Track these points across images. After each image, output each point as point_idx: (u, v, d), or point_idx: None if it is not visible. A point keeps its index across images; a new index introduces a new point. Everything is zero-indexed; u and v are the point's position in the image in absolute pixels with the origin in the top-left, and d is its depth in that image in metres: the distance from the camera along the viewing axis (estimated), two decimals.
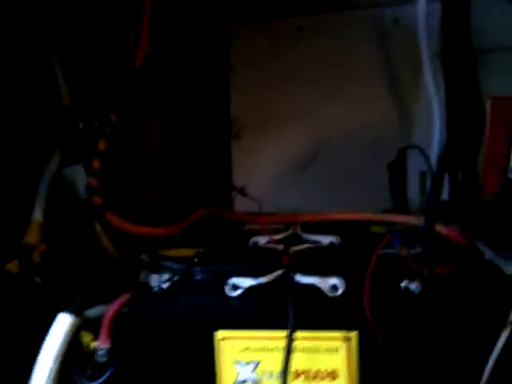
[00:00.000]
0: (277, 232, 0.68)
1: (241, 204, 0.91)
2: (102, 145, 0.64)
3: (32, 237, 0.65)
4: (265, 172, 0.98)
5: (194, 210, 0.75)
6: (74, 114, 0.71)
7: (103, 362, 0.55)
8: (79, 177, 0.70)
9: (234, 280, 0.55)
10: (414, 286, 0.53)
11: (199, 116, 0.95)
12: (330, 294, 0.54)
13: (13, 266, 0.62)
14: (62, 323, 0.50)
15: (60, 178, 0.70)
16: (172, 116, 0.92)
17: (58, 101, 0.71)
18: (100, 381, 0.56)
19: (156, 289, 0.56)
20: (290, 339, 0.50)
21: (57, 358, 0.49)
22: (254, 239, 0.66)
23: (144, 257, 0.57)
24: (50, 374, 0.49)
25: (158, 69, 0.88)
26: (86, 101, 0.71)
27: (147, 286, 0.57)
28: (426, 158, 0.65)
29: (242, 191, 0.75)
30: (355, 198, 0.89)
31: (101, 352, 0.55)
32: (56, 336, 0.49)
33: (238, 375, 0.55)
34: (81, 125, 0.70)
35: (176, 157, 0.93)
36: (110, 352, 0.55)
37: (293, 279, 0.54)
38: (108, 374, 0.55)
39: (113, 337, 0.55)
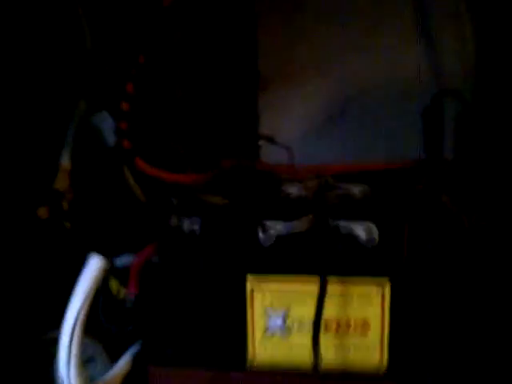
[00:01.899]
0: (307, 182, 0.66)
1: (266, 156, 0.89)
2: (130, 87, 0.62)
3: (61, 183, 0.65)
4: (291, 125, 0.95)
5: (220, 161, 0.73)
6: (100, 58, 0.70)
7: (131, 309, 0.55)
8: (106, 124, 0.69)
9: (267, 224, 0.54)
10: (450, 234, 0.51)
11: (225, 66, 0.93)
12: (365, 241, 0.52)
13: (43, 212, 0.62)
14: (94, 265, 0.50)
15: (87, 125, 0.69)
16: (197, 67, 0.90)
17: (83, 44, 0.70)
18: (128, 328, 0.56)
19: (187, 233, 0.55)
20: (324, 285, 0.50)
21: (87, 298, 0.49)
22: (284, 188, 0.65)
23: (174, 201, 0.56)
24: (79, 314, 0.49)
25: (182, 17, 0.85)
26: (113, 43, 0.69)
27: (178, 230, 0.56)
28: (464, 103, 0.63)
29: (272, 140, 0.73)
30: (384, 152, 0.87)
31: (129, 299, 0.55)
32: (87, 277, 0.49)
33: (268, 322, 0.55)
34: (107, 68, 0.69)
35: (201, 109, 0.91)
36: (138, 299, 0.55)
37: (327, 225, 0.53)
38: (136, 321, 0.56)
39: (142, 283, 0.55)
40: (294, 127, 0.95)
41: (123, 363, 0.56)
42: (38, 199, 0.63)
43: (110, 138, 0.68)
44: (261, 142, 0.75)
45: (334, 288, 0.52)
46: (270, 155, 0.82)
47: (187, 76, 0.88)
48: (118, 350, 0.58)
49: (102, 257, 0.50)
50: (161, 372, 0.57)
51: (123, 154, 0.62)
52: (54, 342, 0.55)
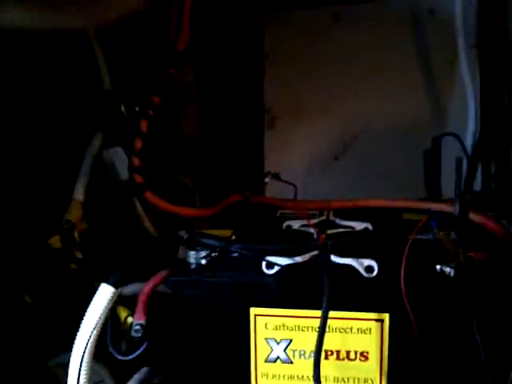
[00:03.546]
0: (310, 217, 0.69)
1: (271, 192, 0.92)
2: (144, 126, 0.66)
3: (73, 214, 0.68)
4: (296, 161, 0.99)
5: (227, 196, 0.76)
6: (116, 98, 0.73)
7: (138, 338, 0.57)
8: (119, 159, 0.72)
9: (271, 258, 0.56)
10: (448, 270, 0.53)
11: (233, 105, 0.97)
12: (365, 275, 0.54)
13: (55, 242, 0.65)
14: (104, 293, 0.51)
15: (100, 160, 0.72)
16: (207, 105, 0.94)
17: (100, 85, 0.73)
18: (134, 355, 0.57)
19: (194, 265, 0.57)
20: (325, 318, 0.51)
21: (97, 325, 0.51)
22: (287, 223, 0.67)
23: (182, 233, 0.59)
24: (90, 340, 0.50)
25: (194, 58, 0.89)
26: (129, 84, 0.73)
27: (185, 262, 0.58)
28: (462, 145, 0.66)
29: (277, 176, 0.76)
30: (386, 189, 0.90)
31: (136, 327, 0.57)
32: (97, 305, 0.51)
33: (270, 352, 0.56)
34: (123, 108, 0.72)
35: (210, 145, 0.94)
36: (144, 328, 0.56)
37: (329, 259, 0.55)
38: (142, 349, 0.57)
39: (149, 313, 0.57)
40: (299, 164, 0.98)
41: None
42: (51, 229, 0.66)
43: (123, 172, 0.71)
44: (267, 179, 0.77)
45: (334, 321, 0.54)
46: (275, 191, 0.85)
47: (197, 116, 0.91)
48: (125, 375, 0.59)
49: (111, 285, 0.52)
50: None
51: (135, 189, 0.65)
52: (61, 366, 0.57)
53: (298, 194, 0.76)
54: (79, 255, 0.65)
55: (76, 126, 0.73)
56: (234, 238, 0.59)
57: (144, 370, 0.61)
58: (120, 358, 0.57)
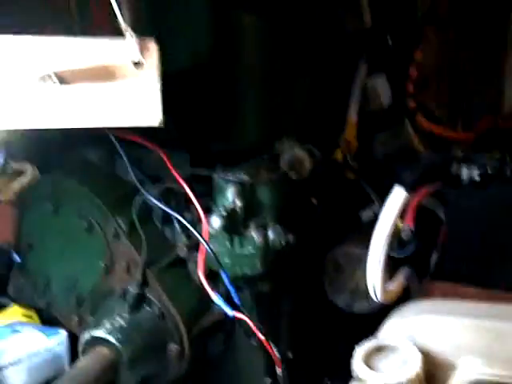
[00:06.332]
0: None
1: None
2: (419, 55, 0.74)
3: (349, 134, 0.80)
4: None
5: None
6: (379, 32, 0.81)
7: (407, 240, 0.66)
8: (382, 86, 0.81)
9: None
10: None
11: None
12: None
13: (337, 155, 0.78)
14: (397, 195, 0.61)
15: (365, 86, 0.82)
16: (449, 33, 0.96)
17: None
18: (403, 254, 0.68)
19: (466, 180, 0.65)
20: None
21: (392, 223, 0.62)
22: None
23: (457, 152, 0.67)
24: (386, 234, 0.62)
25: None
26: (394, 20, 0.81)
27: (457, 177, 0.66)
28: None
29: None
30: None
31: (405, 231, 0.66)
32: (393, 204, 0.61)
33: None
34: (389, 40, 0.81)
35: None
36: (412, 232, 0.65)
37: None
38: (410, 249, 0.67)
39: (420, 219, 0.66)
40: None
41: (400, 279, 0.69)
42: (333, 145, 0.79)
43: (385, 99, 0.80)
44: None
45: None
46: None
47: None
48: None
49: (406, 189, 0.61)
50: (437, 285, 0.67)
51: (408, 113, 0.74)
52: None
53: None
54: (355, 166, 0.78)
55: (344, 57, 0.83)
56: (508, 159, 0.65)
57: (407, 269, 0.72)
58: (391, 254, 0.69)
